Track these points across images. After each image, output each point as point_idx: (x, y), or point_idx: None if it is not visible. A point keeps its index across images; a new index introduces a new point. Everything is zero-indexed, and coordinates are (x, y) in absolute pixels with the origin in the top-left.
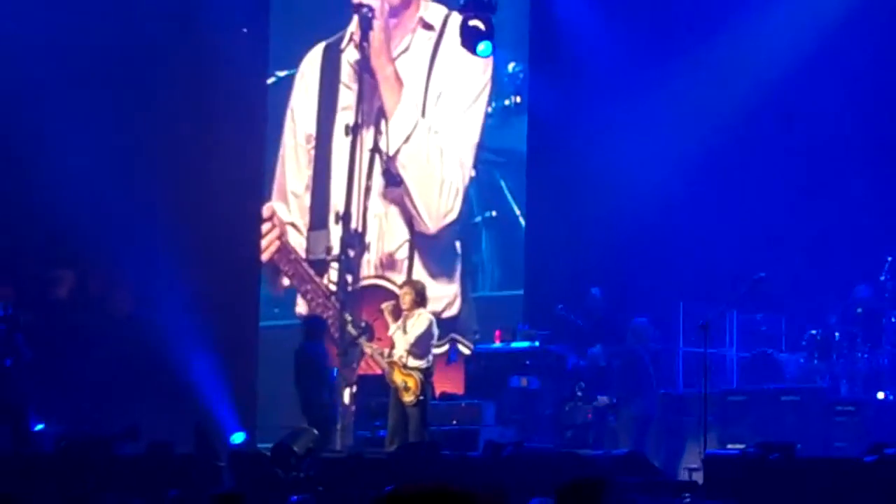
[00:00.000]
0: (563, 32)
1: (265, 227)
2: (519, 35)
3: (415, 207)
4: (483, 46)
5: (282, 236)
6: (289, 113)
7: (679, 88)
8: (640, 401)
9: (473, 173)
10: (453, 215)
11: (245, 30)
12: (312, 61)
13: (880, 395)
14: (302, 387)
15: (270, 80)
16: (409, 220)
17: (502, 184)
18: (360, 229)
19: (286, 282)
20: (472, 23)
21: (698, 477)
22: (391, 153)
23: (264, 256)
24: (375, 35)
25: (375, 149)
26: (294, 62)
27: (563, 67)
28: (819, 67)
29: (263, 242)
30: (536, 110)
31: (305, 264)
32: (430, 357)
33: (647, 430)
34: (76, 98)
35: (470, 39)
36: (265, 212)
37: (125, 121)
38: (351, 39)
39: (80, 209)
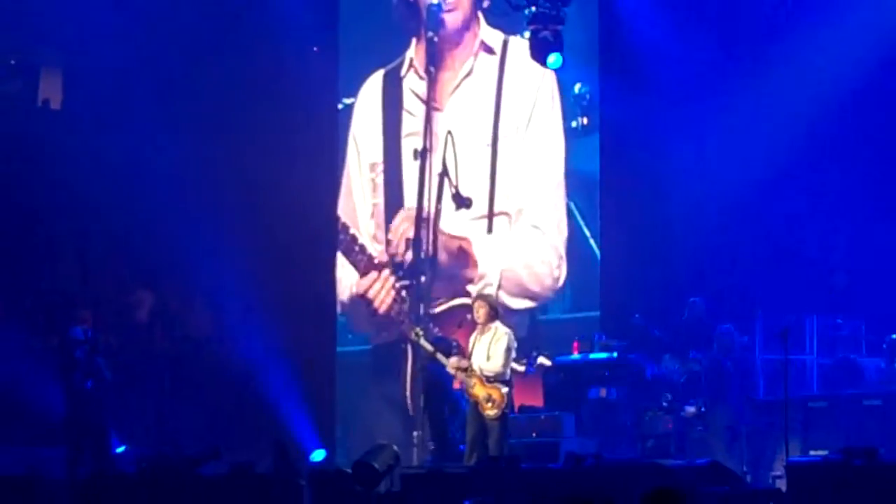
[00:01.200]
0: (633, 46)
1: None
2: (588, 53)
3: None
4: (553, 58)
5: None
6: (351, 140)
7: (751, 97)
8: (727, 409)
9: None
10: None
11: (315, 48)
12: (373, 88)
13: None
14: (428, 407)
15: (340, 106)
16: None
17: (572, 205)
18: (430, 254)
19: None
20: (542, 34)
21: (782, 484)
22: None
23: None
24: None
25: (444, 172)
26: (359, 88)
27: (633, 82)
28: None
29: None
30: (608, 128)
31: (392, 279)
32: (510, 370)
33: (736, 437)
34: (153, 120)
35: (540, 52)
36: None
37: (202, 142)
38: (411, 65)
39: (159, 231)
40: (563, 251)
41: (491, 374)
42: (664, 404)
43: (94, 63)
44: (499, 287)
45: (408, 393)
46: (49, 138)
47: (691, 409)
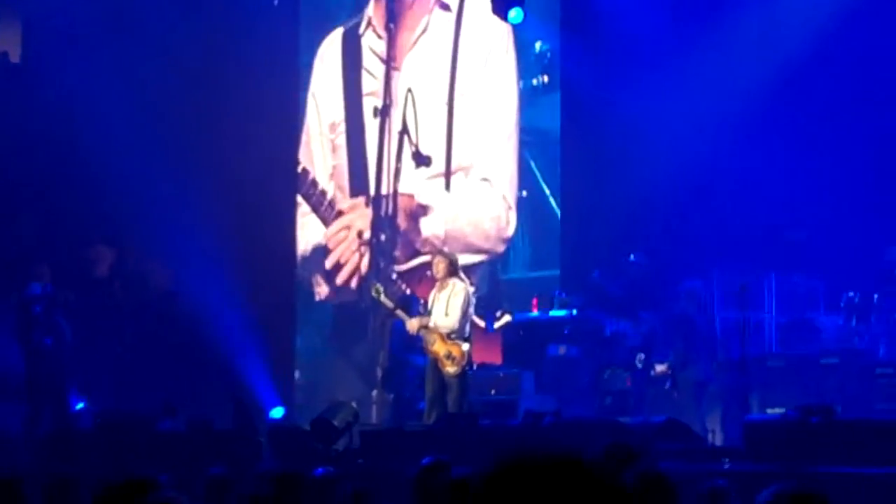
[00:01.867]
0: (594, 4)
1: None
2: (549, 10)
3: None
4: (514, 13)
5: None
6: (310, 98)
7: (710, 54)
8: (695, 365)
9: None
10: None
11: (275, 1)
12: (332, 47)
13: None
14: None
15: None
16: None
17: (532, 163)
18: (390, 212)
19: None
20: None
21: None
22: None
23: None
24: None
25: (404, 131)
26: (319, 44)
27: (593, 40)
28: (859, 31)
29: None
30: (568, 86)
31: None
32: (469, 327)
33: (703, 393)
34: (113, 77)
35: (501, 6)
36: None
37: (161, 96)
38: (370, 24)
39: (118, 186)
40: (512, 202)
41: (449, 330)
42: (638, 365)
43: (54, 16)
44: (443, 244)
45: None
46: (7, 91)
47: (661, 367)
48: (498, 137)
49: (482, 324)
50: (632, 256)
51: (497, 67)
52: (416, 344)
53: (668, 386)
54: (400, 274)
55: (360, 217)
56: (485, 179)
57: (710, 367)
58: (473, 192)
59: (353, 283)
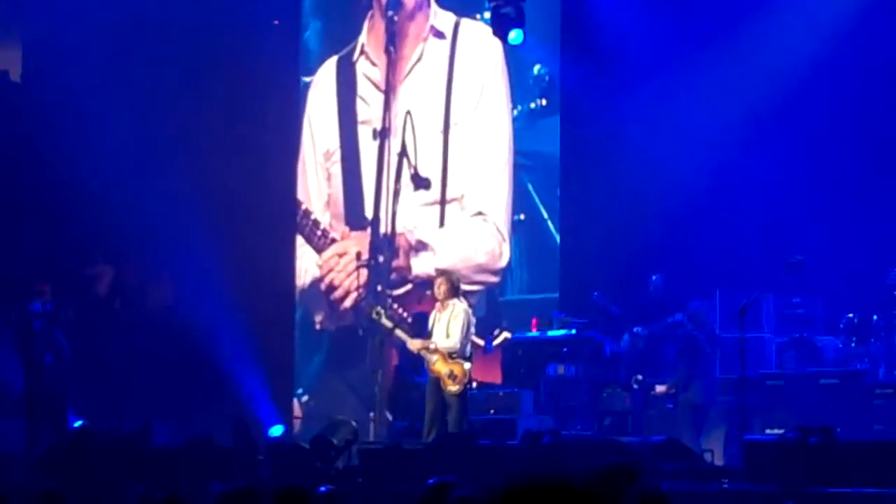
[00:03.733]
0: (594, 27)
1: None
2: (549, 33)
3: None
4: (514, 34)
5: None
6: (306, 122)
7: (710, 79)
8: (699, 387)
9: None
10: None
11: (276, 21)
12: (326, 75)
13: None
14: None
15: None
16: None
17: (529, 187)
18: (389, 234)
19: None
20: (504, 10)
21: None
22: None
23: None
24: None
25: (403, 153)
26: (318, 66)
27: (594, 63)
28: (859, 45)
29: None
30: (568, 109)
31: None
32: (469, 347)
33: (705, 416)
34: (113, 97)
35: (501, 28)
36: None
37: (161, 116)
38: (363, 51)
39: (118, 204)
40: (506, 233)
41: (450, 350)
42: (635, 386)
43: (55, 35)
44: None
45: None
46: (8, 110)
47: (661, 388)
48: (493, 167)
49: (481, 342)
50: (654, 277)
51: (492, 96)
52: (422, 366)
53: (670, 406)
54: (395, 298)
55: (355, 243)
56: (479, 213)
57: (710, 391)
58: (467, 226)
59: (348, 305)
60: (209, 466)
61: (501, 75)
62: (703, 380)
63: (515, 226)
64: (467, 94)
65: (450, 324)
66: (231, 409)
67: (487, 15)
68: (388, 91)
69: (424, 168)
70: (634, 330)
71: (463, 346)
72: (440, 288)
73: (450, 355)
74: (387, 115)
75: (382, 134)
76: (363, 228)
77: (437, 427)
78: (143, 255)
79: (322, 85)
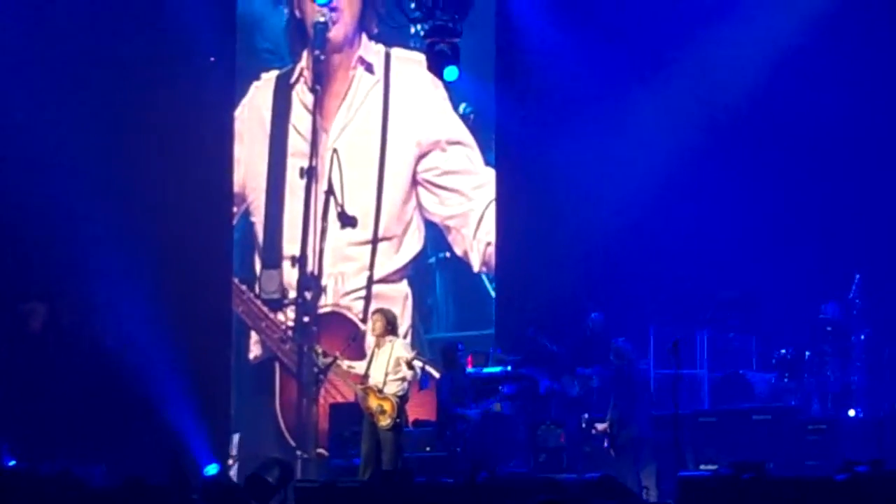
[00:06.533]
0: (529, 61)
1: None
2: (482, 68)
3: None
4: (449, 71)
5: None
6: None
7: (646, 115)
8: (633, 422)
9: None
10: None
11: (212, 59)
12: (264, 91)
13: (851, 413)
14: None
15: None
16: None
17: None
18: (315, 272)
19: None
20: (439, 47)
21: (650, 496)
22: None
23: None
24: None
25: (330, 191)
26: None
27: (528, 97)
28: (790, 86)
29: None
30: (503, 142)
31: (259, 302)
32: (406, 384)
33: (641, 451)
34: (43, 126)
35: (436, 64)
36: None
37: (96, 153)
38: (301, 75)
39: (54, 240)
40: None
41: (387, 387)
42: (583, 425)
43: None
44: None
45: (278, 412)
46: None
47: (601, 426)
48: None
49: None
50: (592, 315)
51: (430, 126)
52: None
53: (605, 445)
54: (318, 317)
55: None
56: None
57: (647, 424)
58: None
59: (273, 346)
60: None
61: (442, 107)
62: (637, 414)
63: (441, 263)
64: (405, 122)
65: (390, 361)
66: (167, 447)
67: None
68: (318, 127)
69: (355, 206)
70: (578, 371)
71: (404, 383)
72: (376, 325)
73: (380, 391)
74: (315, 152)
75: (309, 172)
76: (292, 262)
77: (372, 465)
78: (77, 292)
79: (258, 102)
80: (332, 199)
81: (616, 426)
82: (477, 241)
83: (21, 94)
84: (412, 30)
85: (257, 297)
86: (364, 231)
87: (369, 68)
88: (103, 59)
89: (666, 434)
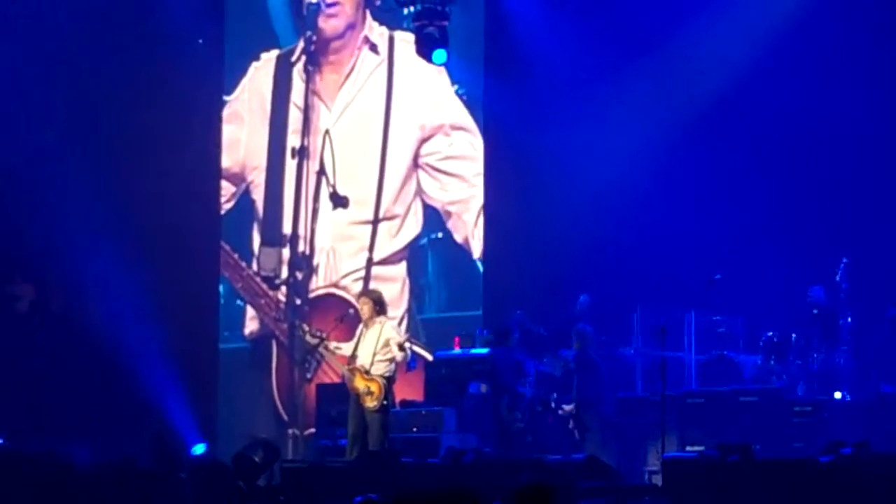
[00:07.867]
0: (517, 45)
1: None
2: (472, 51)
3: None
4: (438, 54)
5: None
6: (237, 119)
7: (634, 97)
8: (601, 404)
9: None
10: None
11: (200, 41)
12: (264, 70)
13: (837, 396)
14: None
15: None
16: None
17: None
18: (307, 252)
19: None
20: (428, 30)
21: (658, 479)
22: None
23: None
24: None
25: (321, 171)
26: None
27: (516, 81)
28: (776, 70)
29: None
30: (491, 125)
31: (258, 279)
32: (393, 365)
33: (609, 433)
34: (31, 109)
35: (425, 48)
36: None
37: (83, 133)
38: (303, 54)
39: (40, 223)
40: None
41: (374, 368)
42: (552, 405)
43: None
44: None
45: (274, 389)
46: None
47: (568, 407)
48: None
49: (429, 356)
50: (582, 297)
51: (433, 107)
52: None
53: (570, 426)
54: (310, 301)
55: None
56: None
57: (610, 407)
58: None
59: (270, 323)
60: (132, 487)
61: (441, 95)
62: (602, 396)
63: (433, 243)
64: (407, 105)
65: (378, 342)
66: (153, 429)
67: None
68: (317, 108)
69: (353, 188)
70: (561, 353)
71: (393, 364)
72: (363, 308)
73: (367, 372)
74: (314, 131)
75: (301, 152)
76: (284, 241)
77: (359, 445)
78: (65, 275)
79: (259, 81)
80: (324, 179)
81: (580, 408)
82: (478, 229)
83: (5, 77)
84: (405, 11)
85: (256, 273)
86: (365, 210)
87: (374, 48)
88: (90, 41)
89: (633, 417)
